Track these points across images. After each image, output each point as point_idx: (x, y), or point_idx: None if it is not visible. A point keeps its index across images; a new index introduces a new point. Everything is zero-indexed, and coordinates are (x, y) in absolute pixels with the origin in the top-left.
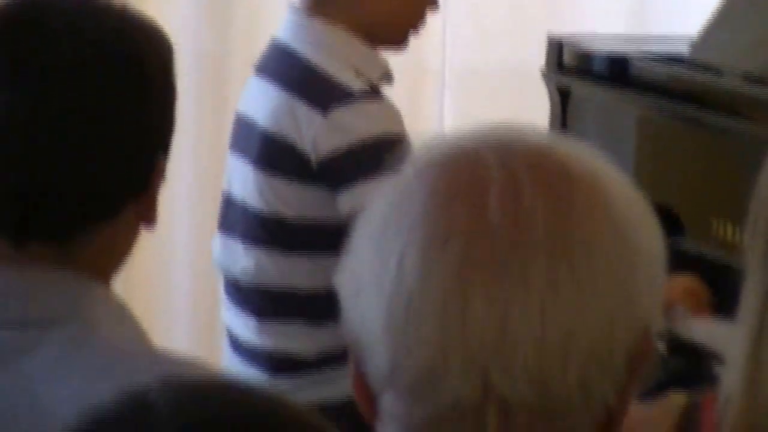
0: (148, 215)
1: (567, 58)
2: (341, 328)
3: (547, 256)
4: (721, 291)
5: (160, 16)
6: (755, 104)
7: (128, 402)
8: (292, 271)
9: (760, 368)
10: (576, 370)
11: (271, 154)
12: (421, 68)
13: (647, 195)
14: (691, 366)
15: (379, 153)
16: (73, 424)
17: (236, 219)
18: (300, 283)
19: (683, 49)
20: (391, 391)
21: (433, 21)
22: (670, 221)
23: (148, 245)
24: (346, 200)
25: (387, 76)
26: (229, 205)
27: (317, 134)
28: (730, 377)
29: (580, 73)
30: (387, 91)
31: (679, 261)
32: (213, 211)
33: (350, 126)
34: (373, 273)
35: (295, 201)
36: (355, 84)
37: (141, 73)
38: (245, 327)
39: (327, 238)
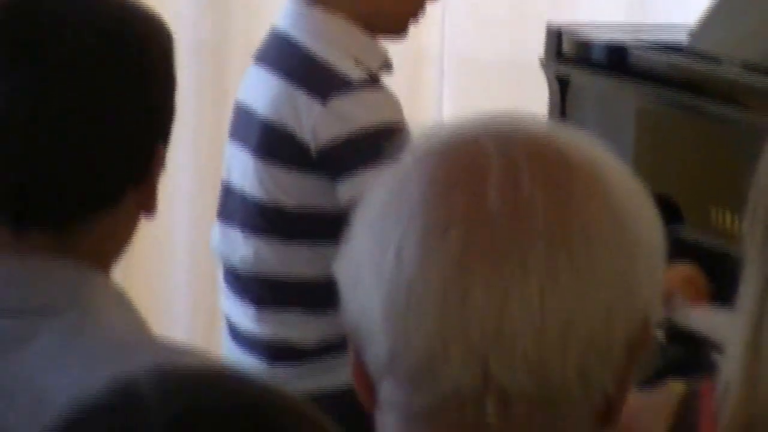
0: (147, 204)
1: (566, 46)
2: (340, 316)
3: (546, 245)
4: (719, 279)
5: (160, 6)
6: (754, 93)
7: (118, 391)
8: (291, 260)
9: (759, 356)
10: (575, 359)
11: (271, 142)
12: (420, 57)
13: (646, 183)
14: (689, 354)
15: (379, 142)
16: (64, 413)
17: (235, 207)
18: (299, 272)
19: (682, 38)
20: (391, 379)
21: (432, 10)
22: (669, 210)
23: (147, 234)
24: (346, 189)
25: (387, 65)
26: (228, 194)
27: (317, 123)
28: (729, 365)
29: (579, 61)
30: (386, 79)
31: (678, 250)
32: (212, 200)
33: (350, 115)
34: (372, 261)
35: (295, 190)
36: (355, 73)
37: (142, 62)
38: (244, 315)
39: (326, 227)
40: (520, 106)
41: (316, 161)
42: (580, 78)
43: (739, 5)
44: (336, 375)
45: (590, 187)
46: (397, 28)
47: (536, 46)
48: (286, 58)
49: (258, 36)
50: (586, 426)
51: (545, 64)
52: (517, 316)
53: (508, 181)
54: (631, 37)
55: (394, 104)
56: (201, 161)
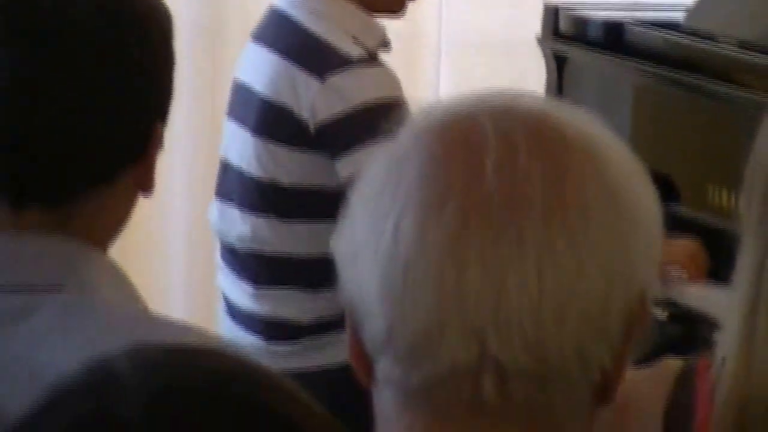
0: (145, 182)
1: (563, 24)
2: (338, 294)
3: (543, 222)
4: (715, 257)
5: None
6: (750, 71)
7: (95, 371)
8: (289, 238)
9: (755, 332)
10: (573, 335)
11: (270, 121)
12: (418, 35)
13: (642, 161)
14: (686, 331)
15: (378, 118)
16: (42, 394)
17: (233, 185)
18: (297, 250)
19: (680, 16)
20: (388, 356)
21: None
22: (666, 187)
23: (144, 212)
24: (345, 165)
25: (384, 44)
26: (226, 172)
27: (315, 100)
28: (726, 341)
29: (576, 39)
30: (384, 58)
31: (675, 227)
32: (208, 179)
33: (348, 91)
34: (369, 238)
35: (294, 167)
36: (353, 50)
37: (141, 41)
38: (242, 293)
39: (324, 205)
40: (517, 84)
41: (315, 139)
42: (577, 56)
43: None
44: (333, 353)
45: (587, 164)
46: (395, 6)
47: (533, 24)
48: (285, 37)
49: (255, 15)
50: (583, 402)
51: (542, 42)
52: (514, 292)
53: (505, 158)
54: (628, 15)
55: (392, 80)
56: (198, 140)
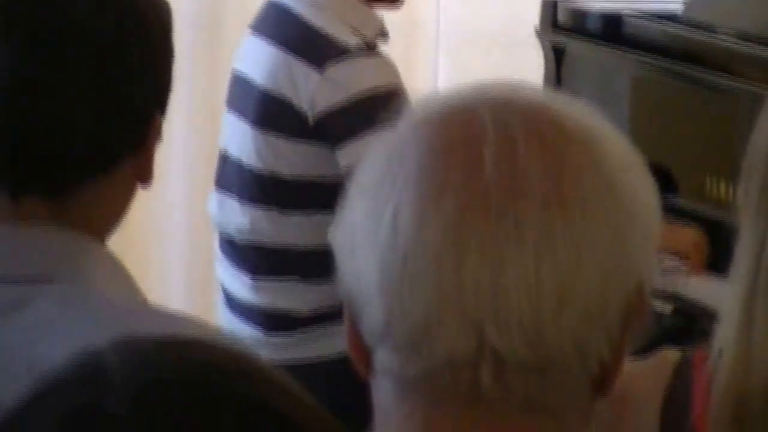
0: (143, 174)
1: (561, 16)
2: (336, 285)
3: (541, 211)
4: (714, 248)
5: None
6: (749, 62)
7: (82, 364)
8: (288, 229)
9: (753, 323)
10: (571, 325)
11: (269, 112)
12: (416, 26)
13: (641, 152)
14: (685, 322)
15: (377, 106)
16: (29, 387)
17: (232, 177)
18: (296, 241)
19: (678, 7)
20: (386, 346)
21: None
22: (664, 178)
23: (143, 204)
24: (346, 155)
25: (383, 34)
26: (225, 163)
27: (315, 91)
28: (723, 333)
29: (574, 31)
30: (382, 49)
31: (674, 219)
32: (207, 170)
33: (348, 80)
34: (367, 229)
35: (293, 159)
36: (352, 40)
37: (140, 32)
38: (240, 284)
39: (323, 196)
40: (515, 76)
41: (314, 130)
42: (575, 48)
43: None
44: (331, 344)
45: (586, 156)
46: None
47: (532, 15)
48: (284, 28)
49: (254, 7)
50: (581, 393)
51: (541, 34)
52: (512, 282)
53: (503, 149)
54: (626, 7)
55: (391, 69)
56: (196, 131)
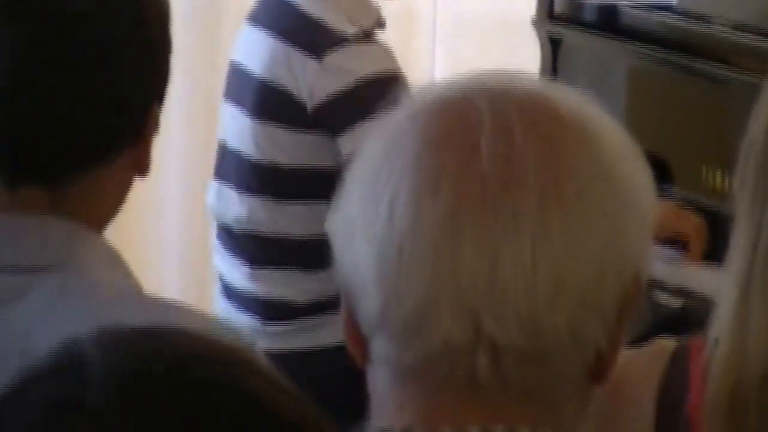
0: (141, 164)
1: (558, 6)
2: (334, 274)
3: (537, 201)
4: (710, 238)
5: None
6: (745, 53)
7: (62, 355)
8: (285, 219)
9: (748, 313)
10: (567, 313)
11: (268, 102)
12: (413, 16)
13: (637, 142)
14: (681, 311)
15: (376, 92)
16: (10, 381)
17: (231, 167)
18: (293, 230)
19: None
20: (383, 335)
21: None
22: (660, 169)
23: (139, 194)
24: (348, 142)
25: (380, 23)
26: (224, 153)
27: (314, 81)
28: (719, 322)
29: (571, 21)
30: (379, 37)
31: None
32: (204, 160)
33: (346, 68)
34: (364, 218)
35: (292, 149)
36: (349, 29)
37: (139, 22)
38: (238, 274)
39: (321, 186)
40: (512, 66)
41: (314, 119)
42: (571, 38)
43: None
44: (329, 333)
45: (582, 144)
46: None
47: (528, 5)
48: (281, 18)
49: None
50: (577, 381)
51: (537, 24)
52: (508, 271)
53: (500, 138)
54: None
55: (389, 55)
56: (194, 122)
